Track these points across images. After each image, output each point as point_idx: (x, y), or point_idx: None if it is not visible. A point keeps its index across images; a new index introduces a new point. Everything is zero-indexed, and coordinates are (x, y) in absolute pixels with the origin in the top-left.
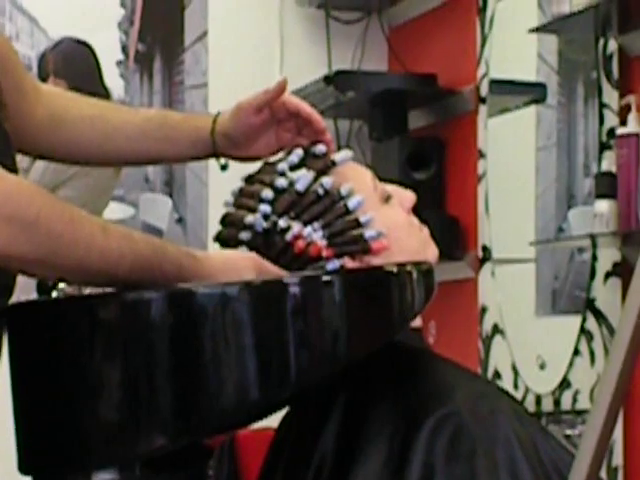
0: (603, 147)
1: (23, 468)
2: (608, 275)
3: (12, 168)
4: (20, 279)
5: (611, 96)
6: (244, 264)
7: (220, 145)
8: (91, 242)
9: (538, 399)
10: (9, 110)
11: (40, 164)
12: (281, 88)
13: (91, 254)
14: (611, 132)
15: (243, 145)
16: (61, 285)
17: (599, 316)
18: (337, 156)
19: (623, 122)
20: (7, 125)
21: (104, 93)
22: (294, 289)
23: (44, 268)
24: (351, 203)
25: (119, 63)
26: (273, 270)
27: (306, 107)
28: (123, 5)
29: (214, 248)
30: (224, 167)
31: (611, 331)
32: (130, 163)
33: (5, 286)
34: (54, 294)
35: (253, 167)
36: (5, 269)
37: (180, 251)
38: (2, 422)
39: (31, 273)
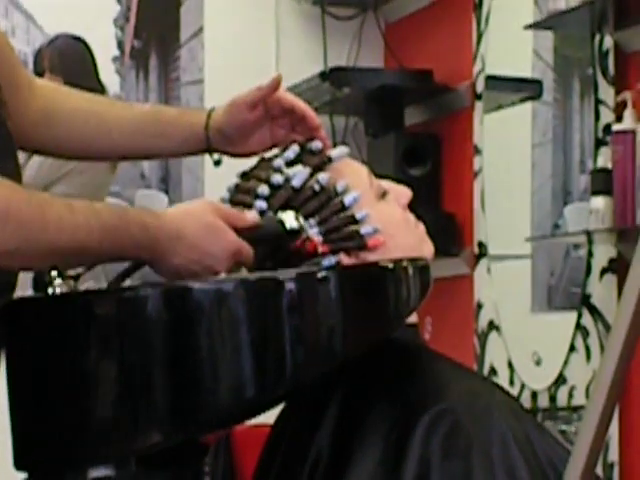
0: (599, 143)
1: (19, 465)
2: (604, 271)
3: (14, 168)
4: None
5: (607, 92)
6: (202, 208)
7: (214, 141)
8: (60, 223)
9: (534, 395)
10: (8, 107)
11: (35, 161)
12: (275, 85)
13: (62, 235)
14: (607, 128)
15: (237, 141)
16: (57, 281)
17: (595, 312)
18: (333, 152)
19: (619, 118)
20: (9, 124)
21: (100, 89)
22: (290, 285)
23: (15, 259)
24: (347, 199)
25: (115, 59)
26: (231, 212)
27: (301, 104)
28: (119, 1)
29: None
30: (217, 163)
31: (607, 327)
32: (124, 158)
33: (7, 283)
34: (50, 290)
35: (249, 163)
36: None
37: (142, 212)
38: None
39: (4, 268)
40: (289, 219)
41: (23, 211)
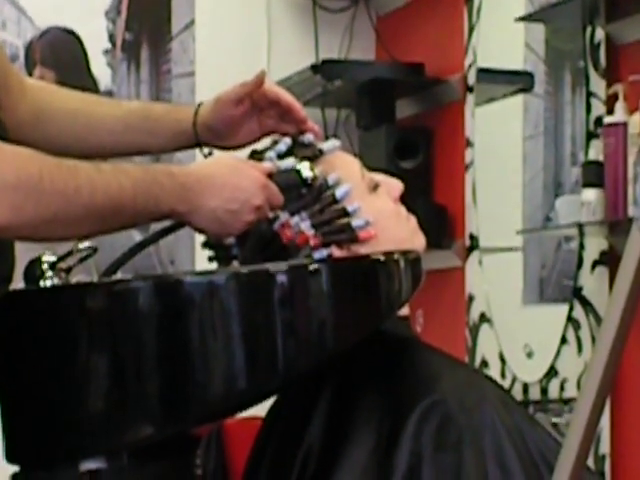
0: (590, 136)
1: (10, 457)
2: (595, 264)
3: None
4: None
5: (598, 85)
6: (224, 156)
7: (202, 136)
8: (92, 184)
9: (525, 387)
10: (4, 100)
11: None
12: (259, 80)
13: (96, 196)
14: (598, 121)
15: (225, 135)
16: (49, 274)
17: (586, 305)
18: (325, 145)
19: (610, 111)
20: (2, 114)
21: (91, 82)
22: (281, 278)
23: (55, 227)
24: (338, 192)
25: (106, 52)
26: (248, 160)
27: (286, 96)
28: None
29: (201, 238)
30: (208, 156)
31: (598, 320)
32: (114, 155)
33: (3, 275)
34: (42, 283)
35: (241, 155)
36: (5, 262)
37: (166, 164)
38: None
39: (41, 237)
40: (305, 169)
41: (56, 178)
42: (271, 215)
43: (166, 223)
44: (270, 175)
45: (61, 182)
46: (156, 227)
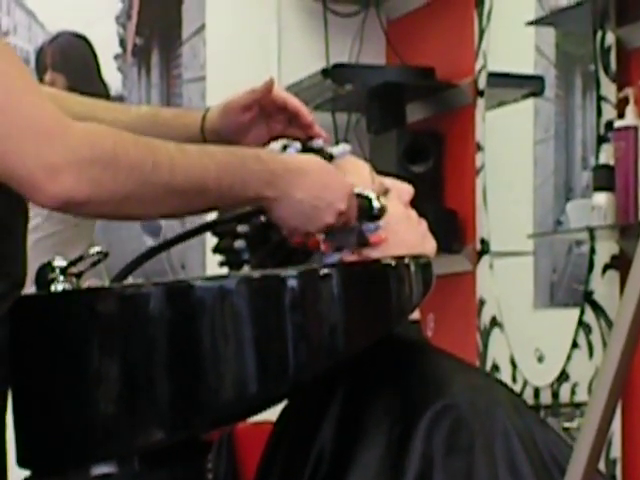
0: (601, 140)
1: (22, 462)
2: (606, 268)
3: None
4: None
5: (609, 89)
6: (321, 163)
7: (211, 141)
8: (172, 163)
9: (536, 392)
10: None
11: None
12: (268, 88)
13: (176, 174)
14: (609, 125)
15: (234, 140)
16: (60, 279)
17: (597, 309)
18: (335, 150)
19: (621, 115)
20: None
21: (102, 87)
22: (292, 282)
23: (135, 204)
24: None
25: (117, 57)
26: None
27: (293, 101)
28: None
29: (212, 242)
30: None
31: (609, 324)
32: None
33: (17, 280)
34: (53, 288)
35: None
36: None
37: (256, 149)
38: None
39: (123, 215)
40: (374, 199)
41: (132, 154)
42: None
43: (179, 230)
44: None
45: (138, 157)
46: (166, 233)
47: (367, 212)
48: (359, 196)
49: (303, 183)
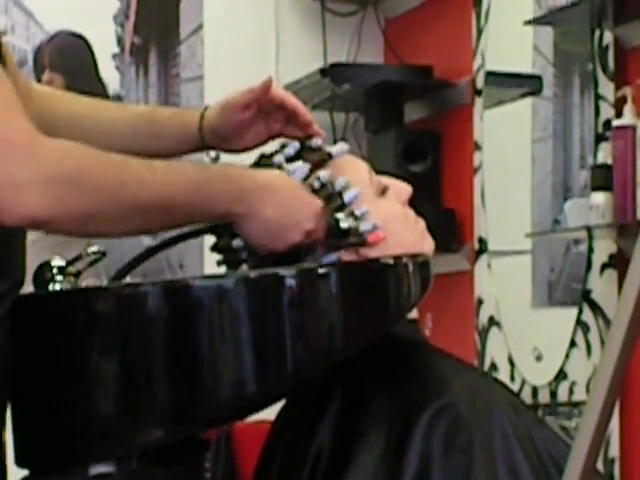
0: (599, 139)
1: (20, 461)
2: (604, 267)
3: None
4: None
5: (607, 88)
6: (290, 182)
7: (209, 140)
8: (140, 180)
9: (534, 391)
10: None
11: None
12: (267, 86)
13: (143, 192)
14: (607, 124)
15: (232, 139)
16: (58, 278)
17: (595, 308)
18: (333, 149)
19: (619, 114)
20: None
21: (100, 86)
22: (290, 282)
23: (99, 222)
24: (347, 196)
25: (115, 56)
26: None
27: (291, 99)
28: None
29: (210, 240)
30: (215, 160)
31: (607, 323)
32: None
33: (17, 280)
34: (51, 287)
35: (249, 158)
36: (17, 266)
37: (227, 165)
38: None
39: (89, 233)
40: (342, 219)
41: (98, 172)
42: None
43: (178, 230)
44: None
45: (104, 176)
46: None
47: (336, 233)
48: (329, 215)
49: (272, 200)
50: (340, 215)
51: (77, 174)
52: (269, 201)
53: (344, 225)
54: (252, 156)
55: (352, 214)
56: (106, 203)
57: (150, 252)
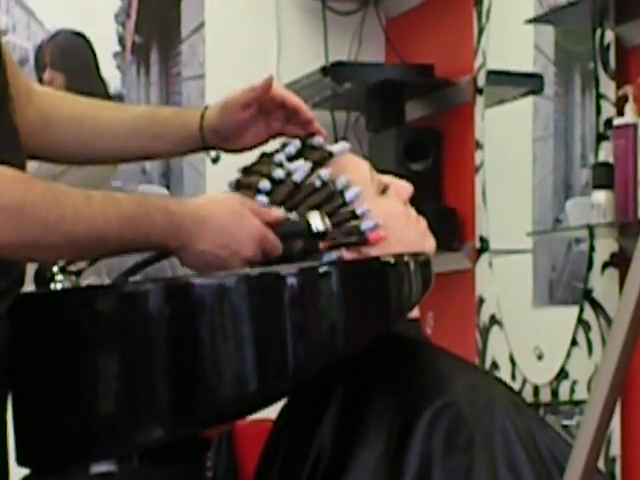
0: (600, 138)
1: (21, 460)
2: (605, 265)
3: (21, 161)
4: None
5: (608, 87)
6: (229, 198)
7: (209, 140)
8: (76, 214)
9: (536, 390)
10: (15, 104)
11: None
12: (267, 85)
13: (78, 226)
14: (608, 123)
15: (232, 139)
16: (59, 277)
17: (596, 307)
18: (334, 148)
19: (620, 113)
20: (15, 118)
21: (101, 85)
22: (291, 280)
23: (35, 251)
24: (348, 195)
25: (116, 55)
26: (258, 206)
27: (292, 97)
28: None
29: None
30: (215, 160)
31: (608, 321)
32: (121, 160)
33: (18, 279)
34: (52, 286)
35: (250, 158)
36: (16, 265)
37: (165, 199)
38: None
39: (23, 258)
40: (315, 220)
41: (38, 205)
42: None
43: None
44: (280, 223)
45: (43, 210)
46: None
47: (305, 235)
48: (295, 223)
49: (206, 235)
50: (313, 216)
51: (18, 206)
52: (203, 235)
53: (318, 228)
54: (252, 156)
55: (353, 213)
56: (42, 236)
57: (148, 262)
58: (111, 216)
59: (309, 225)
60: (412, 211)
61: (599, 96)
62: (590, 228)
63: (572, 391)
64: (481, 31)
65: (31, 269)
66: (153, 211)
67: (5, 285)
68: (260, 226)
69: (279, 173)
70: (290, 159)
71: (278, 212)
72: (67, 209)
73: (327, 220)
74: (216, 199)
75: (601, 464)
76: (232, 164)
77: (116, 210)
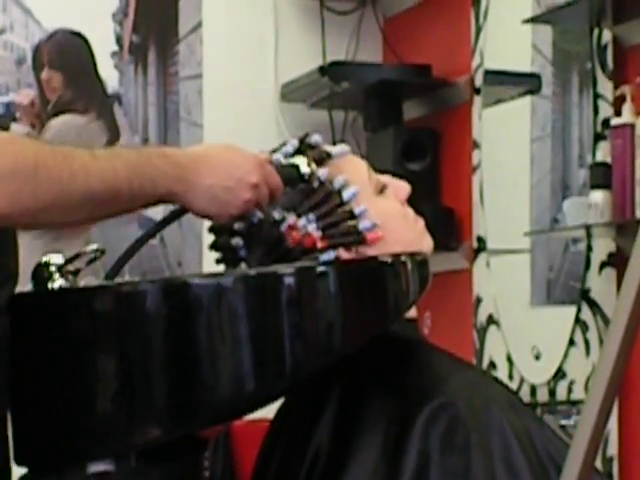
0: (598, 138)
1: (19, 459)
2: (603, 265)
3: None
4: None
5: (605, 86)
6: (224, 145)
7: None
8: (86, 170)
9: (533, 389)
10: None
11: None
12: None
13: (91, 180)
14: (606, 122)
15: None
16: (56, 276)
17: (594, 306)
18: (334, 150)
19: (617, 113)
20: None
21: (98, 84)
22: (289, 280)
23: (53, 213)
24: (346, 194)
25: (113, 54)
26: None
27: None
28: None
29: (209, 239)
30: None
31: (606, 321)
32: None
33: (10, 273)
34: (49, 285)
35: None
36: (9, 258)
37: (159, 147)
38: None
39: (40, 224)
40: (303, 164)
41: (50, 164)
42: (278, 217)
43: (177, 228)
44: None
45: (56, 169)
46: (164, 231)
47: (297, 180)
48: (286, 166)
49: (208, 168)
50: (300, 160)
51: (32, 169)
52: (205, 170)
53: (305, 170)
54: None
55: (351, 213)
56: (59, 196)
57: (140, 242)
58: (118, 167)
59: (298, 169)
60: (410, 211)
61: (597, 96)
62: (588, 228)
63: (569, 391)
64: (479, 31)
65: (29, 269)
66: (154, 157)
67: (2, 277)
68: (255, 154)
69: None
70: (288, 158)
71: (264, 155)
72: (77, 166)
73: (313, 165)
74: (206, 144)
75: (598, 464)
76: None
77: (120, 161)
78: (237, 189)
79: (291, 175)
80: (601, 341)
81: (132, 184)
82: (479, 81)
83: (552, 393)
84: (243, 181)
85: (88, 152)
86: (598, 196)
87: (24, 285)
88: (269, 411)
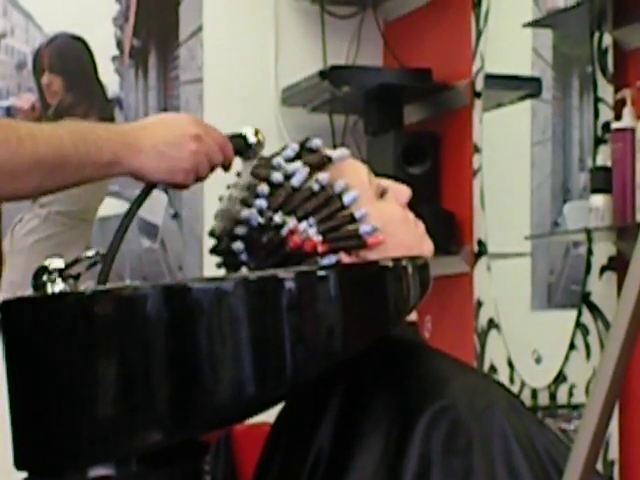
0: (598, 141)
1: (19, 464)
2: (603, 269)
3: None
4: (17, 277)
5: (606, 90)
6: (181, 115)
7: None
8: (33, 135)
9: (534, 393)
10: None
11: None
12: None
13: (39, 145)
14: (606, 126)
15: None
16: (57, 280)
17: (595, 310)
18: (334, 154)
19: (618, 116)
20: None
21: (99, 89)
22: (290, 284)
23: (4, 180)
24: (346, 198)
25: (114, 59)
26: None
27: None
28: (118, 1)
29: (209, 243)
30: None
31: (607, 325)
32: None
33: None
34: (50, 289)
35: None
36: None
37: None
38: None
39: None
40: (250, 135)
41: None
42: (279, 221)
43: (176, 231)
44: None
45: (2, 133)
46: (164, 234)
47: (245, 148)
48: (234, 136)
49: (147, 132)
50: (246, 130)
51: None
52: (145, 134)
53: (252, 139)
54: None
55: (351, 217)
56: (7, 159)
57: (123, 226)
58: (62, 134)
59: (245, 139)
60: (410, 214)
61: (597, 100)
62: (588, 232)
63: (570, 395)
64: (479, 35)
65: (29, 273)
66: (95, 127)
67: None
68: (191, 115)
69: (277, 176)
70: (288, 162)
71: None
72: (23, 132)
73: (260, 135)
74: (167, 115)
75: (599, 468)
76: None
77: (64, 129)
78: (180, 143)
79: (239, 144)
80: (602, 345)
81: (78, 149)
82: (479, 85)
83: (553, 397)
84: (184, 134)
85: (32, 123)
86: (599, 200)
87: (25, 289)
88: (270, 415)
